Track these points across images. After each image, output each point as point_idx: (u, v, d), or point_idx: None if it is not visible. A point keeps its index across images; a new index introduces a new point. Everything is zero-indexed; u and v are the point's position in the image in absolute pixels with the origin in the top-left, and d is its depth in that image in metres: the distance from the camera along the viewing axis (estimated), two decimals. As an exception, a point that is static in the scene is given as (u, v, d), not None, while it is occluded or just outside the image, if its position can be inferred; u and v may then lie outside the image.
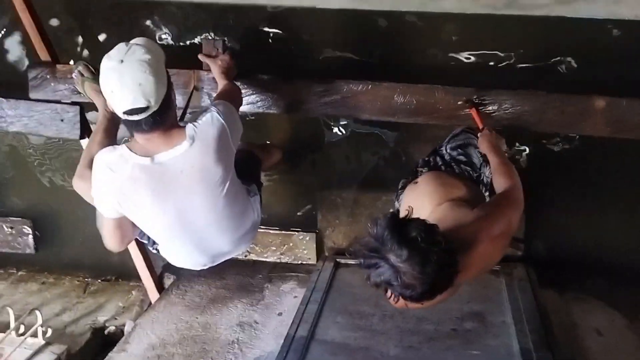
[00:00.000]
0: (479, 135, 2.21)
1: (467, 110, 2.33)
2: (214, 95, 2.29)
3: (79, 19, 2.95)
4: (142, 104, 1.74)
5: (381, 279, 1.52)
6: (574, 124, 2.37)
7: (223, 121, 1.90)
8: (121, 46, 1.79)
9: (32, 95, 2.60)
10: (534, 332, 2.36)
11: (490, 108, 2.34)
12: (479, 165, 2.26)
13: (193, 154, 1.85)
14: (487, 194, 2.20)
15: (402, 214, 1.62)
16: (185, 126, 1.88)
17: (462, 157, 2.30)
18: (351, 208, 3.06)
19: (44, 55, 2.59)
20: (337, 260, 2.99)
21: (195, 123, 1.88)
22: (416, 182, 2.15)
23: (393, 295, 1.57)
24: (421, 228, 1.52)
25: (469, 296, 2.61)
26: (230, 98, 2.10)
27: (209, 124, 1.88)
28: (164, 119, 1.81)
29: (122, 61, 1.74)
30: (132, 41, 1.82)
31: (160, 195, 1.89)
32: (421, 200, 1.97)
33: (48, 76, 2.57)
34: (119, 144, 1.97)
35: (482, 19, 2.46)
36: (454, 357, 2.30)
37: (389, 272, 1.50)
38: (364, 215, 3.05)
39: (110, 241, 2.07)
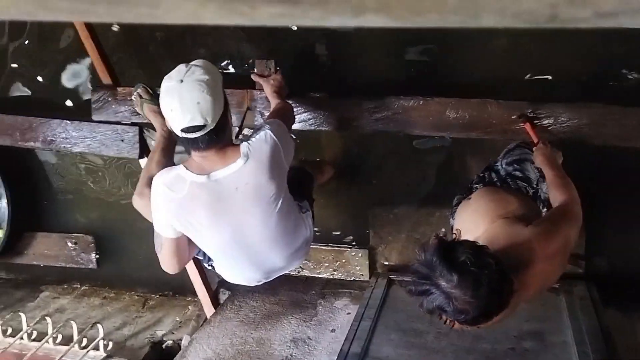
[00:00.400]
0: (534, 149, 2.17)
1: (522, 124, 2.30)
2: (267, 114, 2.34)
3: (138, 45, 3.07)
4: (199, 122, 1.80)
5: (434, 305, 1.50)
6: (634, 137, 2.29)
7: (276, 139, 1.93)
8: (181, 67, 1.86)
9: (94, 117, 2.72)
10: (596, 352, 2.27)
11: (545, 122, 2.30)
12: (535, 181, 2.21)
13: (247, 171, 1.89)
14: (544, 210, 2.14)
15: (453, 233, 1.61)
16: (239, 144, 1.92)
17: (517, 173, 2.25)
18: (404, 225, 3.04)
19: (105, 79, 2.71)
20: (390, 277, 2.97)
21: (249, 141, 1.92)
22: (469, 199, 2.12)
23: (448, 320, 1.56)
24: (470, 251, 1.50)
25: (527, 315, 2.53)
26: (283, 117, 2.14)
27: (262, 142, 1.92)
28: (219, 137, 1.87)
29: (181, 81, 1.80)
30: (192, 62, 1.89)
31: (217, 212, 1.93)
32: (474, 218, 1.94)
33: (109, 99, 2.69)
34: (176, 163, 2.04)
35: (529, 34, 2.43)
36: (512, 377, 2.25)
37: (440, 298, 1.48)
38: (417, 232, 3.02)
39: (168, 263, 2.11)
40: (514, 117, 2.31)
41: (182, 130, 1.82)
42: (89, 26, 2.61)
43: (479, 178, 2.33)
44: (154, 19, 0.29)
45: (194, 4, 0.27)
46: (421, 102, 2.42)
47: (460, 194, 2.32)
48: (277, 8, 0.27)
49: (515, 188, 2.20)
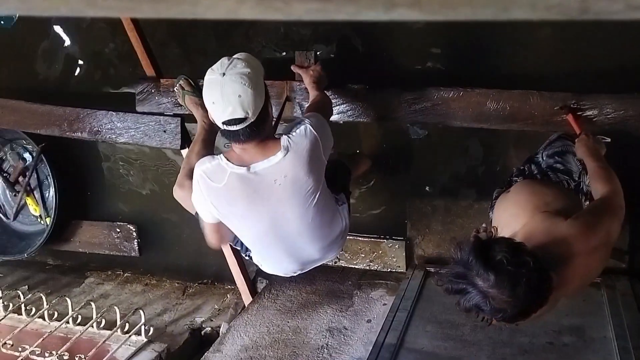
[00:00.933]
0: (576, 140, 2.13)
1: (564, 116, 2.25)
2: (306, 105, 2.36)
3: (180, 36, 3.13)
4: (240, 114, 1.82)
5: (471, 304, 1.50)
6: (683, 128, 2.22)
7: (316, 134, 1.95)
8: (224, 60, 1.89)
9: (138, 108, 2.79)
10: (637, 349, 2.22)
11: (589, 113, 2.24)
12: (577, 174, 2.16)
13: (286, 164, 1.91)
14: (587, 203, 2.10)
15: (492, 228, 1.60)
16: (280, 137, 1.95)
17: (559, 165, 2.21)
18: (442, 216, 3.03)
19: (149, 71, 2.77)
20: (427, 268, 2.96)
21: (289, 135, 1.94)
22: (508, 192, 2.10)
23: (485, 318, 1.55)
24: (506, 250, 1.49)
25: (567, 309, 2.50)
26: (322, 109, 2.15)
27: (302, 136, 1.93)
28: (260, 130, 1.89)
29: (224, 74, 1.83)
30: (235, 56, 1.91)
31: (255, 203, 1.97)
32: (513, 211, 1.92)
33: (153, 90, 2.75)
34: (216, 154, 2.08)
35: (572, 23, 2.37)
36: (550, 372, 2.22)
37: (478, 297, 1.48)
38: (455, 223, 3.00)
39: (211, 240, 2.21)
40: (556, 108, 2.26)
41: (224, 123, 1.86)
42: (134, 19, 2.66)
43: (518, 171, 2.30)
44: (194, 15, 0.30)
45: (232, 2, 0.28)
46: (461, 93, 2.39)
47: (499, 187, 2.29)
48: (312, 4, 0.28)
49: (556, 181, 2.16)
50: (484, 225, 2.37)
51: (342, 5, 0.28)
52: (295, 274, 2.34)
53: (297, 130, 1.95)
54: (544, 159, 2.26)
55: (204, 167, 1.96)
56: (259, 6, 0.29)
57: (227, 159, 1.94)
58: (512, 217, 1.87)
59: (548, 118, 2.30)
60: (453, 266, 1.54)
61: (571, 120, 2.21)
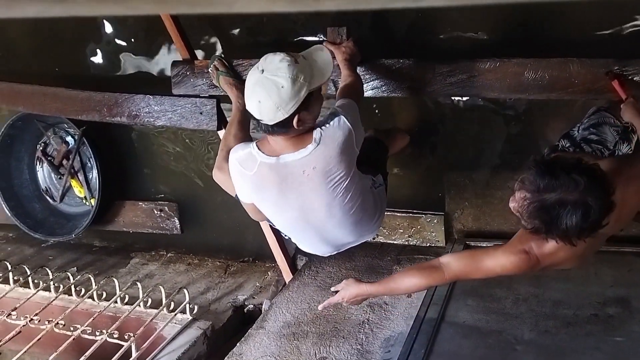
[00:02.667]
0: (622, 105, 2.07)
1: (608, 81, 2.18)
2: (339, 83, 2.34)
3: (213, 19, 3.14)
4: (273, 110, 1.84)
5: (575, 221, 1.48)
6: None
7: (350, 126, 1.94)
8: (268, 56, 1.88)
9: (174, 91, 2.82)
10: (686, 319, 2.18)
11: (635, 79, 2.17)
12: (613, 143, 2.11)
13: (316, 156, 1.91)
14: None
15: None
16: (312, 130, 1.93)
17: (593, 137, 2.17)
18: (480, 189, 3.00)
19: (183, 53, 2.79)
20: (467, 242, 2.95)
21: (322, 127, 1.93)
22: None
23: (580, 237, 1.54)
24: (569, 158, 1.54)
25: (612, 280, 2.46)
26: (354, 94, 2.13)
27: (336, 128, 1.93)
28: (290, 126, 1.88)
29: (262, 71, 1.84)
30: (281, 54, 1.87)
31: (284, 192, 1.99)
32: None
33: (188, 73, 2.77)
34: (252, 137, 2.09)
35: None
36: (595, 344, 2.19)
37: (578, 209, 1.48)
38: (494, 196, 2.97)
39: (253, 216, 2.26)
40: (602, 73, 2.20)
41: (261, 116, 1.87)
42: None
43: (550, 149, 2.26)
44: (230, 10, 0.31)
45: (265, 2, 0.28)
46: (498, 64, 2.34)
47: None
48: (342, 0, 0.28)
49: (589, 152, 2.12)
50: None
51: (373, -2, 0.28)
52: (332, 254, 2.36)
53: (331, 122, 1.93)
54: (579, 132, 2.22)
55: (237, 154, 2.00)
56: (291, 3, 0.29)
57: (259, 148, 1.96)
58: None
59: (589, 86, 2.24)
60: (529, 208, 1.52)
61: (616, 86, 2.14)
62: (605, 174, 1.54)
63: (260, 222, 2.90)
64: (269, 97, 1.82)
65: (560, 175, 1.45)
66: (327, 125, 1.93)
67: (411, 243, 3.18)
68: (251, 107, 1.88)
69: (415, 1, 0.29)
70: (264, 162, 1.94)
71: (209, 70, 2.64)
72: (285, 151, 1.93)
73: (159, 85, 3.09)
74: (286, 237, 2.42)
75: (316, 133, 1.92)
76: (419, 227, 3.14)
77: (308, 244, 2.28)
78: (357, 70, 2.37)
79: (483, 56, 2.37)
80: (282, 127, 1.88)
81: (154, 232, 3.68)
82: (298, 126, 1.88)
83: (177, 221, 3.61)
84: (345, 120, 1.94)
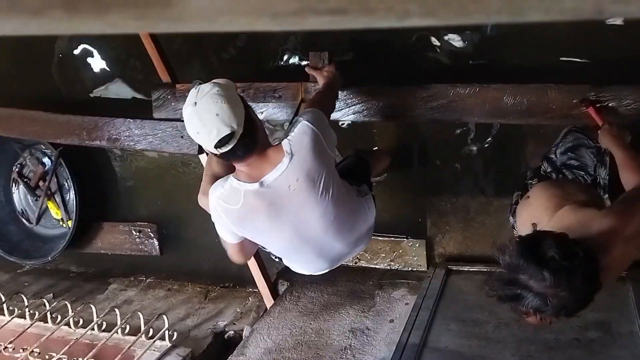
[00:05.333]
0: (599, 132, 2.10)
1: (584, 108, 2.22)
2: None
3: (195, 42, 3.15)
4: (226, 131, 1.78)
5: (530, 308, 1.47)
6: None
7: (314, 128, 1.92)
8: (192, 92, 1.85)
9: (155, 114, 2.81)
10: (666, 343, 2.19)
11: (609, 105, 2.21)
12: (592, 167, 2.13)
13: (295, 167, 1.89)
14: (605, 196, 2.08)
15: (522, 232, 1.56)
16: (280, 143, 1.93)
17: (573, 162, 2.19)
18: (462, 214, 3.01)
19: (165, 77, 2.79)
20: (449, 266, 2.95)
21: (289, 137, 1.91)
22: (528, 198, 2.07)
23: (545, 318, 1.52)
24: (554, 244, 1.45)
25: (592, 304, 2.46)
26: (320, 104, 2.13)
27: (302, 134, 1.91)
28: (253, 139, 1.85)
29: (195, 104, 1.80)
30: (199, 85, 1.88)
31: (275, 215, 1.96)
32: (537, 214, 1.89)
33: (169, 96, 2.77)
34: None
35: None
36: (577, 368, 2.19)
37: (536, 300, 1.45)
38: (476, 221, 2.98)
39: (236, 259, 2.21)
40: (575, 101, 2.24)
41: (216, 147, 1.81)
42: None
43: (532, 172, 2.28)
44: (212, 29, 0.30)
45: (248, 19, 0.28)
46: (477, 89, 2.37)
47: (517, 191, 2.27)
48: (326, 17, 0.28)
49: (572, 178, 2.14)
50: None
51: (356, 17, 0.28)
52: (327, 271, 2.34)
53: (296, 130, 1.92)
54: (558, 156, 2.24)
55: (218, 192, 1.95)
56: (274, 22, 0.29)
57: (237, 179, 1.92)
58: (538, 218, 1.84)
59: (567, 111, 2.27)
60: (501, 272, 1.50)
61: (592, 113, 2.18)
62: (591, 263, 1.47)
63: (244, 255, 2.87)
64: (220, 105, 1.78)
65: (532, 264, 1.43)
66: (292, 133, 1.92)
67: (393, 267, 3.17)
68: (211, 133, 1.78)
69: (400, 21, 0.29)
70: (249, 190, 1.90)
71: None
72: (264, 172, 1.90)
73: (139, 109, 3.07)
74: (276, 259, 2.40)
75: (285, 145, 1.90)
76: (400, 251, 3.14)
77: (303, 263, 2.26)
78: (336, 93, 2.37)
79: (463, 81, 2.41)
80: (251, 133, 1.84)
81: (133, 253, 3.62)
82: (260, 132, 1.88)
83: (156, 242, 3.56)
84: (308, 124, 1.92)
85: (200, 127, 1.80)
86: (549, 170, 2.20)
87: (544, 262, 1.42)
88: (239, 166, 1.92)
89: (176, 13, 0.27)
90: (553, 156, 2.24)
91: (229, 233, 2.04)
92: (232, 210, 1.94)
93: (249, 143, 1.84)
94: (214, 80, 1.89)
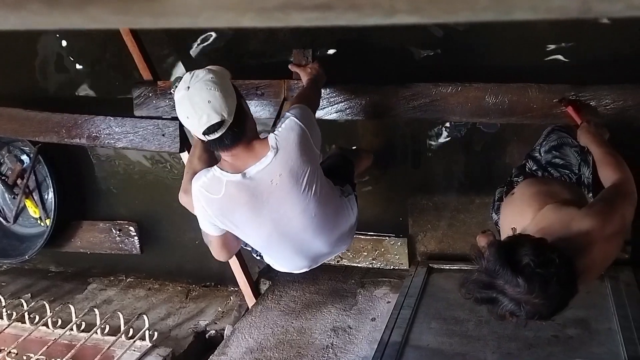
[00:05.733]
0: (578, 130, 2.12)
1: (563, 108, 2.25)
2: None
3: (175, 39, 3.12)
4: (216, 119, 1.79)
5: (504, 312, 1.48)
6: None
7: (301, 124, 1.93)
8: (186, 76, 1.86)
9: (136, 112, 2.78)
10: (643, 339, 2.22)
11: (588, 104, 2.24)
12: (577, 166, 2.16)
13: (279, 162, 1.90)
14: (589, 195, 2.10)
15: (505, 228, 1.57)
16: (267, 137, 1.93)
17: (557, 160, 2.20)
18: (443, 212, 3.03)
19: (146, 74, 2.76)
20: (430, 265, 2.96)
21: (276, 132, 1.92)
22: (513, 194, 2.09)
23: (520, 321, 1.54)
24: (530, 251, 1.46)
25: (571, 302, 2.50)
26: (307, 100, 2.13)
27: (289, 130, 1.92)
28: (242, 129, 1.87)
29: (188, 88, 1.81)
30: (194, 70, 1.89)
31: (256, 207, 1.96)
32: (520, 209, 1.91)
33: (150, 94, 2.74)
34: (217, 157, 2.07)
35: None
36: (556, 365, 2.22)
37: (511, 305, 1.46)
38: (457, 219, 3.00)
39: (218, 255, 2.20)
40: (555, 101, 2.26)
41: (204, 133, 1.82)
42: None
43: (518, 169, 2.29)
44: (195, 25, 0.30)
45: (233, 14, 0.28)
46: (459, 89, 2.39)
47: (500, 187, 2.29)
48: (311, 13, 0.28)
49: (558, 176, 2.16)
50: (488, 231, 2.37)
51: (343, 13, 0.28)
52: (308, 269, 2.34)
53: (283, 125, 1.93)
54: (542, 154, 2.25)
55: (200, 181, 1.95)
56: (259, 17, 0.29)
57: (221, 169, 1.92)
58: (520, 216, 1.85)
59: (547, 111, 2.30)
60: (478, 275, 1.51)
61: (571, 112, 2.20)
62: (567, 269, 1.48)
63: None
64: (214, 92, 1.79)
65: (508, 270, 1.45)
66: (280, 129, 1.92)
67: (375, 266, 3.18)
68: (201, 119, 1.80)
69: (387, 17, 0.28)
70: (231, 181, 1.91)
71: (172, 91, 2.61)
72: (248, 164, 1.90)
73: (120, 107, 3.04)
74: (258, 258, 2.38)
75: (271, 139, 1.91)
76: (382, 249, 3.14)
77: (283, 260, 2.25)
78: (320, 90, 2.37)
79: (445, 80, 2.42)
80: (240, 124, 1.85)
81: (113, 252, 3.57)
82: (249, 122, 1.89)
83: (136, 241, 3.51)
84: (295, 119, 1.93)
85: (190, 111, 1.80)
86: (534, 168, 2.21)
87: (519, 268, 1.44)
88: (224, 155, 1.92)
89: (159, 7, 0.27)
90: (537, 155, 2.26)
91: (210, 225, 2.03)
92: (213, 199, 1.94)
93: (237, 133, 1.85)
94: (208, 67, 1.90)
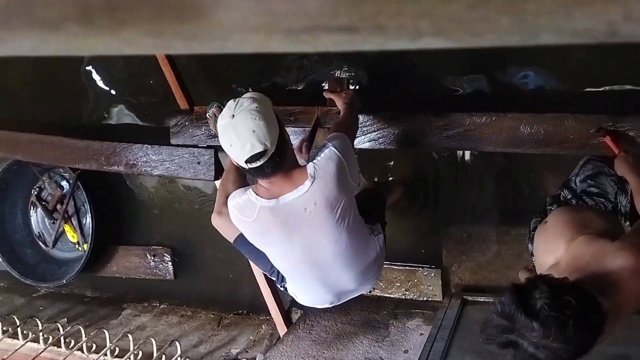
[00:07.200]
0: (615, 160, 2.08)
1: (601, 138, 2.21)
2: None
3: (213, 67, 3.19)
4: (259, 148, 1.81)
5: (525, 356, 1.45)
6: None
7: (340, 155, 1.93)
8: (230, 103, 1.89)
9: (172, 141, 2.84)
10: (689, 379, 2.12)
11: (627, 134, 2.20)
12: (613, 195, 2.11)
13: (315, 191, 1.91)
14: (627, 224, 2.04)
15: (538, 258, 1.53)
16: (305, 165, 1.94)
17: (593, 189, 2.16)
18: (478, 243, 2.98)
19: (182, 103, 2.83)
20: (465, 297, 2.91)
21: (315, 161, 1.93)
22: (546, 222, 2.05)
23: None
24: (545, 294, 1.43)
25: (611, 338, 2.40)
26: (346, 129, 2.14)
27: (328, 159, 1.92)
28: (283, 159, 1.89)
29: (233, 116, 1.83)
30: (239, 97, 1.92)
31: (287, 234, 1.97)
32: (552, 239, 1.87)
33: (187, 123, 2.80)
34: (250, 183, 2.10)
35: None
36: (597, 404, 2.13)
37: (530, 348, 1.43)
38: (491, 250, 2.95)
39: (223, 231, 2.26)
40: (592, 131, 2.22)
41: (247, 162, 1.84)
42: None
43: (552, 198, 2.25)
44: (225, 50, 0.31)
45: (262, 36, 0.29)
46: (494, 118, 2.37)
47: (536, 217, 2.25)
48: (338, 36, 0.28)
49: (592, 205, 2.11)
50: (531, 265, 2.32)
51: (369, 36, 0.29)
52: (330, 305, 2.32)
53: (322, 155, 1.94)
54: (578, 184, 2.21)
55: (235, 202, 1.99)
56: (287, 40, 0.29)
57: (256, 194, 1.94)
58: (553, 245, 1.82)
59: (584, 141, 2.26)
60: (496, 321, 1.49)
61: (609, 142, 2.16)
62: (588, 310, 1.44)
63: (256, 274, 2.87)
64: (258, 122, 1.81)
65: (523, 314, 1.42)
66: (319, 157, 1.93)
67: (408, 297, 3.13)
68: (244, 148, 1.82)
69: (412, 42, 0.29)
70: (264, 207, 1.92)
71: (207, 115, 2.66)
72: (284, 191, 1.92)
73: (157, 136, 3.11)
74: (282, 289, 2.38)
75: (310, 168, 1.92)
76: (415, 280, 3.10)
77: (308, 291, 2.24)
78: (357, 117, 2.38)
79: (479, 110, 2.41)
80: (282, 153, 1.87)
81: (147, 277, 3.62)
82: (290, 152, 1.92)
83: (170, 266, 3.56)
84: (335, 150, 1.93)
85: (234, 140, 1.83)
86: (569, 197, 2.17)
87: (533, 312, 1.40)
88: (263, 182, 1.94)
89: (191, 29, 0.28)
90: (573, 184, 2.22)
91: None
92: (245, 222, 1.97)
93: (278, 162, 1.87)
94: (252, 95, 1.92)
